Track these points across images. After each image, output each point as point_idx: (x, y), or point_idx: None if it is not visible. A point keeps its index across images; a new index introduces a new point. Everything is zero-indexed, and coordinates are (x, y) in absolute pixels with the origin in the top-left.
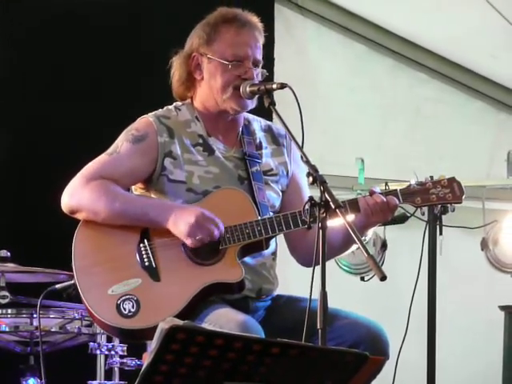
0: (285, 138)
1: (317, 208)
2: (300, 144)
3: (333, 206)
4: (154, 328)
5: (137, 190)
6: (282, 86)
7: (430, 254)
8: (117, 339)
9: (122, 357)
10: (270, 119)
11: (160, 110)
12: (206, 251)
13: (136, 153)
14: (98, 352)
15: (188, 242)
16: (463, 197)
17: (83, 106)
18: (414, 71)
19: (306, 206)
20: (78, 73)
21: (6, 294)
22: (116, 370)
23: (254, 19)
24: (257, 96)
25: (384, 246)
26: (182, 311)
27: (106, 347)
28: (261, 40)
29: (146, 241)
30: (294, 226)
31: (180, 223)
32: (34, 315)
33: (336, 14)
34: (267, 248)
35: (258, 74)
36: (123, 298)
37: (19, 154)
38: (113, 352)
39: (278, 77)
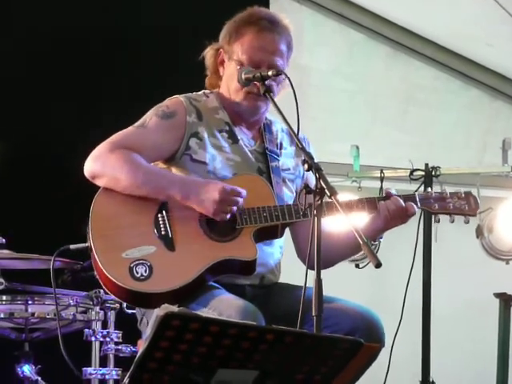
0: (303, 140)
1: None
2: (296, 132)
3: (328, 194)
4: (163, 295)
5: (158, 165)
6: (278, 73)
7: (425, 241)
8: (111, 326)
9: (116, 343)
10: None
11: (190, 93)
12: (222, 228)
13: (163, 128)
14: (93, 339)
15: (217, 218)
16: (478, 211)
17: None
18: (409, 59)
19: (302, 193)
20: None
21: (1, 280)
22: (111, 356)
23: (282, 22)
24: (270, 98)
25: None
26: (191, 283)
27: (100, 334)
28: (283, 45)
29: (164, 211)
30: (311, 216)
31: (205, 202)
32: (29, 302)
33: (332, 1)
34: (281, 236)
35: (274, 80)
36: (137, 262)
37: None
38: (108, 339)
39: None
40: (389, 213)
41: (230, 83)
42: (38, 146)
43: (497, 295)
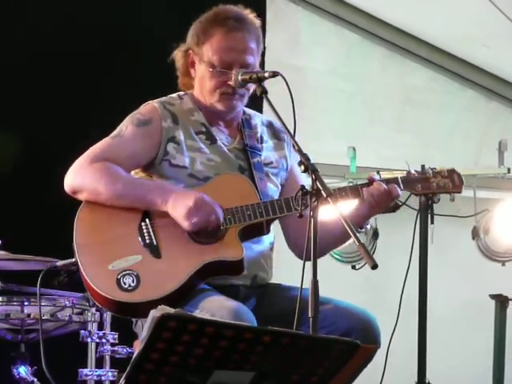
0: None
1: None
2: (292, 133)
3: (324, 195)
4: (152, 303)
5: (138, 173)
6: (274, 74)
7: (421, 242)
8: (108, 327)
9: (113, 345)
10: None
11: (164, 97)
12: (207, 231)
13: (140, 136)
14: (89, 340)
15: (185, 224)
16: (462, 186)
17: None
18: (405, 60)
19: (298, 195)
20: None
21: None
22: (107, 357)
23: (249, 19)
24: (247, 96)
25: (375, 234)
26: (180, 288)
27: (96, 335)
28: (253, 42)
29: (147, 220)
30: (295, 209)
31: (178, 206)
32: (25, 303)
33: (328, 2)
34: (268, 232)
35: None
36: (123, 272)
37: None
38: (104, 340)
39: (269, 65)
40: (373, 198)
41: (202, 85)
42: (38, 145)
43: (492, 296)
